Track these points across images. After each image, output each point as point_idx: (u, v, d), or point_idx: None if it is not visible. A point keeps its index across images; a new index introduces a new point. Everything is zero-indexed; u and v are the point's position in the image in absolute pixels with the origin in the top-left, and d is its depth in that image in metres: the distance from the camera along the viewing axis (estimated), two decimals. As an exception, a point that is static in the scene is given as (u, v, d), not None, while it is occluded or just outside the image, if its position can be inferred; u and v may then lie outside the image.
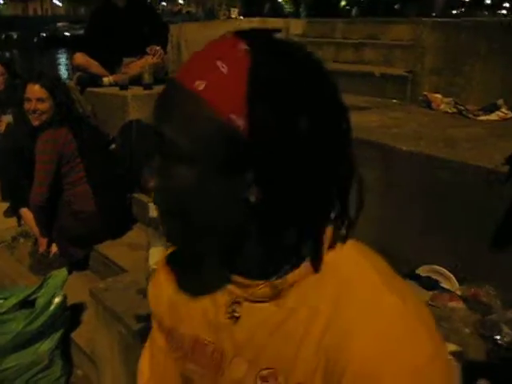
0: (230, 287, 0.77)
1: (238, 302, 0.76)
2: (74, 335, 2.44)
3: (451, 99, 2.98)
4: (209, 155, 0.61)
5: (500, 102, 2.84)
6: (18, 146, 3.24)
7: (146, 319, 1.77)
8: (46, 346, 2.24)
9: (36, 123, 2.90)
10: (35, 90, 2.86)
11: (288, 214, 0.65)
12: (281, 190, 0.62)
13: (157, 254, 1.97)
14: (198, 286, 0.84)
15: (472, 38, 2.97)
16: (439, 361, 0.64)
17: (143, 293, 1.93)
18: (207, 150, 0.61)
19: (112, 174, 3.02)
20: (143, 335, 1.09)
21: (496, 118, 2.80)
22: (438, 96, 3.01)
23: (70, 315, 2.42)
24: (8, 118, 3.84)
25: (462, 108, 2.90)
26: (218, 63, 0.60)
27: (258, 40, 0.62)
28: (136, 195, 3.12)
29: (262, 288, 0.73)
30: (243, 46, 0.61)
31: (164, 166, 0.64)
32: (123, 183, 3.09)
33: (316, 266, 0.69)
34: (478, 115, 2.83)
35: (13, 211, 3.52)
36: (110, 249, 2.87)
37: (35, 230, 3.09)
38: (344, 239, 0.71)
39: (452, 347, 1.53)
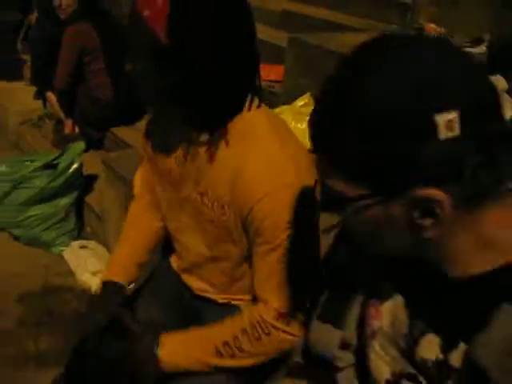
0: (188, 136, 1.16)
1: (192, 145, 1.15)
2: (87, 198, 2.91)
3: (443, 29, 3.23)
4: None
5: (486, 36, 3.08)
6: (47, 35, 3.59)
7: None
8: (64, 201, 2.72)
9: (63, 17, 3.26)
10: None
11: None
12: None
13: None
14: (168, 135, 1.25)
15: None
16: (293, 189, 1.03)
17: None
18: None
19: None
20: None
21: (481, 51, 3.07)
22: (432, 26, 3.26)
23: (85, 181, 2.88)
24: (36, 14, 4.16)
25: (451, 40, 3.15)
26: None
27: None
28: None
29: (201, 137, 1.12)
30: None
31: None
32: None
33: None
34: (465, 47, 3.09)
35: (40, 94, 3.92)
36: (125, 132, 3.27)
37: (59, 112, 3.50)
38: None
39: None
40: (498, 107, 0.62)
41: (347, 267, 0.87)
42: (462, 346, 0.67)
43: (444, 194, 0.59)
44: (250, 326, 1.10)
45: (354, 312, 0.85)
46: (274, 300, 1.09)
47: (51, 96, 3.55)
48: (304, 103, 2.59)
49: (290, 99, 2.61)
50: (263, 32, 3.07)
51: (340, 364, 0.87)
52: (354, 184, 0.64)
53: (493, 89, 0.63)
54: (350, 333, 0.85)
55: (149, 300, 1.37)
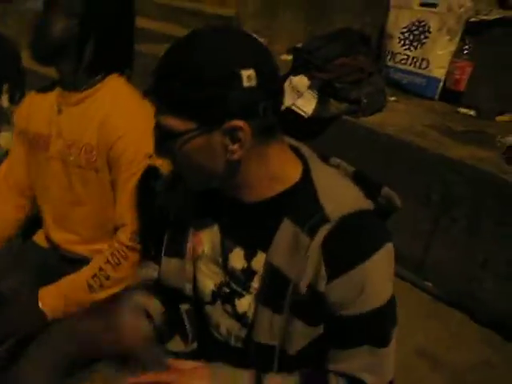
0: (58, 98, 1.42)
1: (63, 105, 1.41)
2: None
3: (264, 39, 3.68)
4: None
5: (299, 45, 3.59)
6: None
7: None
8: None
9: None
10: None
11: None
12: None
13: (6, 137, 2.46)
14: (41, 97, 1.48)
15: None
16: (145, 133, 1.13)
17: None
18: None
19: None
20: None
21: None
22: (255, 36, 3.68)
23: None
24: None
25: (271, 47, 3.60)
26: None
27: None
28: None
29: (73, 97, 1.39)
30: None
31: None
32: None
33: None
34: (282, 54, 3.57)
35: None
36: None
37: None
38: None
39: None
40: (276, 73, 0.89)
41: (182, 207, 1.08)
42: (260, 254, 0.95)
43: (246, 124, 0.83)
44: (110, 255, 1.33)
45: (190, 244, 1.06)
46: (130, 222, 1.33)
47: None
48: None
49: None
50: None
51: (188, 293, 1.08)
52: (182, 120, 0.85)
53: (274, 62, 0.88)
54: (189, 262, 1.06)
55: (14, 277, 1.50)
